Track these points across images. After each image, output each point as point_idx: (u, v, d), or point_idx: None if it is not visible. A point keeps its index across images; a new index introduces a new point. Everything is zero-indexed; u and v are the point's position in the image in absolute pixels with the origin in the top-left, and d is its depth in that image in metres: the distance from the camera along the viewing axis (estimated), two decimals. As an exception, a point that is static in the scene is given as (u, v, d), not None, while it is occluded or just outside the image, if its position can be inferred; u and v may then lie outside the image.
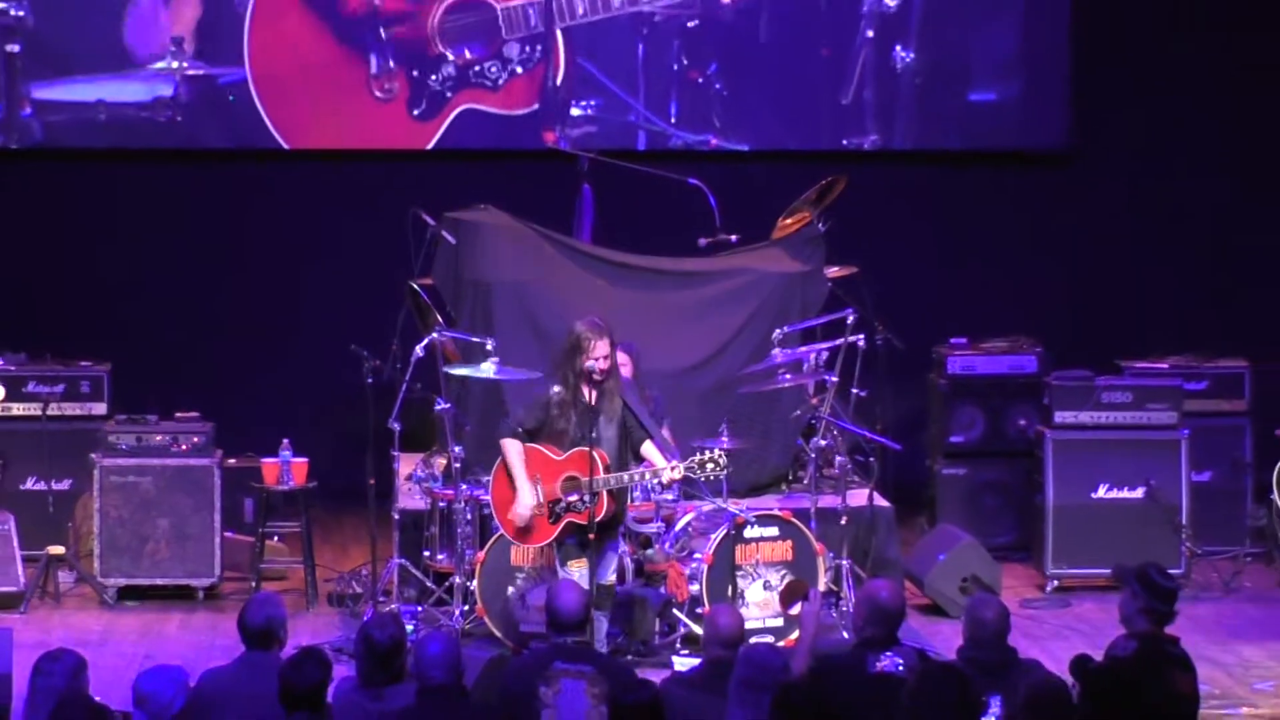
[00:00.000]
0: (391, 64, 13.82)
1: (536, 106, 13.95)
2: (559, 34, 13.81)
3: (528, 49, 13.89)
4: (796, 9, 13.87)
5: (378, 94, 13.90)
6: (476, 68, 13.90)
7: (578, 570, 10.23)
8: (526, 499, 10.16)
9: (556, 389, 10.42)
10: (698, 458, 10.26)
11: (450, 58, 13.85)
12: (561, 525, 10.28)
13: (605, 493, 10.15)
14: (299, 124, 13.92)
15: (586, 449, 10.16)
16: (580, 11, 13.78)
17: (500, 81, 13.90)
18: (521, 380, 11.07)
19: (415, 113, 13.90)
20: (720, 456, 10.32)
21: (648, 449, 10.40)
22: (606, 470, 10.16)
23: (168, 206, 14.02)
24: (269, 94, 13.82)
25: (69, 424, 12.39)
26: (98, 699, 7.57)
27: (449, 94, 13.92)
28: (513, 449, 10.30)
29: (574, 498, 10.16)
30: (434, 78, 13.88)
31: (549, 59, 13.83)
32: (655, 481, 10.48)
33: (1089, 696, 7.60)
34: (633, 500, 10.67)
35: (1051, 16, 14.10)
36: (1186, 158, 14.18)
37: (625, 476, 10.26)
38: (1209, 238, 14.13)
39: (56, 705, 7.28)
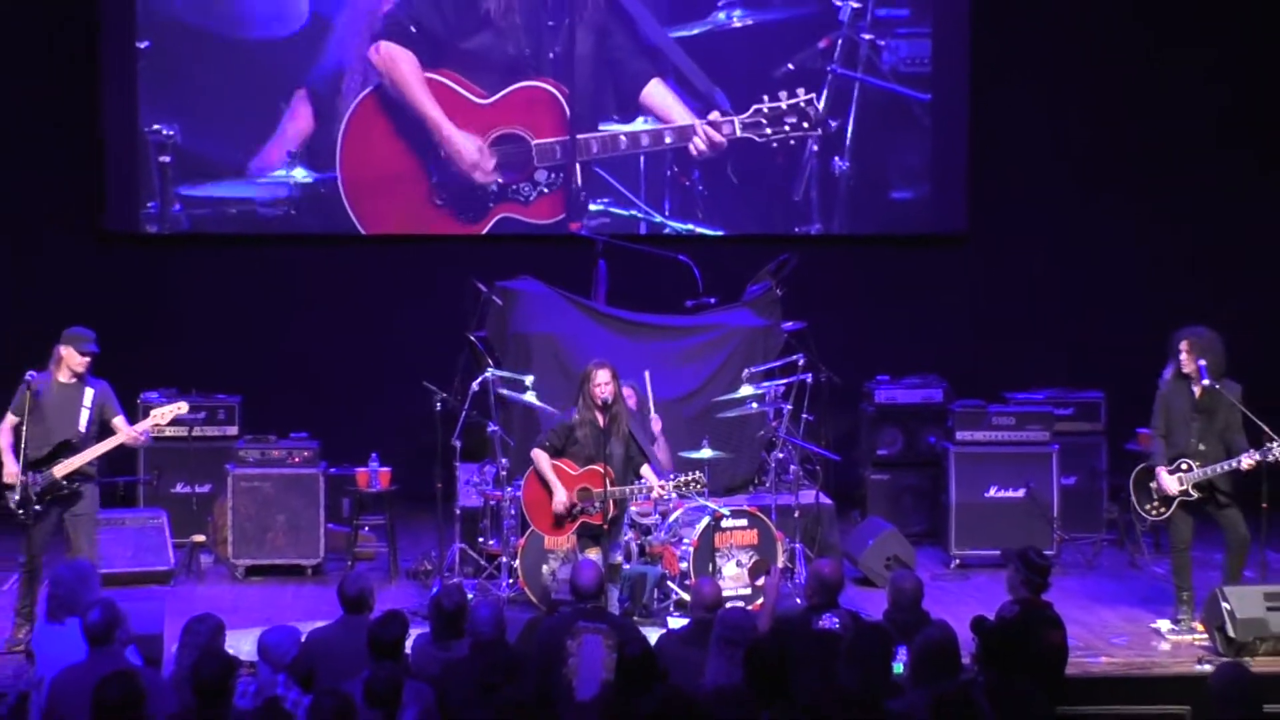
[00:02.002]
0: (446, 178, 13.83)
1: (558, 218, 13.90)
2: (578, 167, 13.79)
3: (552, 175, 13.86)
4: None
5: (436, 203, 13.89)
6: (513, 187, 13.87)
7: (594, 554, 10.24)
8: (560, 495, 10.21)
9: (575, 415, 10.47)
10: (682, 479, 10.36)
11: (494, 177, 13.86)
12: (578, 524, 10.35)
13: (610, 500, 10.22)
14: (375, 220, 13.88)
15: (598, 466, 10.24)
16: (595, 150, 13.77)
17: (531, 198, 13.88)
18: (550, 411, 11.10)
19: (465, 217, 13.88)
20: (700, 477, 10.40)
21: (645, 470, 10.46)
22: (612, 483, 10.22)
23: (283, 278, 13.99)
24: (353, 195, 13.80)
25: (209, 443, 12.37)
26: (230, 651, 7.55)
27: (491, 204, 13.90)
28: (542, 459, 10.36)
29: (581, 505, 10.29)
30: (478, 192, 13.86)
31: (569, 183, 13.80)
32: (647, 494, 10.52)
33: (984, 647, 7.57)
34: (636, 500, 10.67)
35: (952, 135, 14.10)
36: (1054, 240, 14.18)
37: (627, 490, 10.33)
38: (1074, 297, 14.11)
39: (197, 657, 7.25)
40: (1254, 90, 14.04)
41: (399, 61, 13.63)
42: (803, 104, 13.59)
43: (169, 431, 11.58)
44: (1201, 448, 10.11)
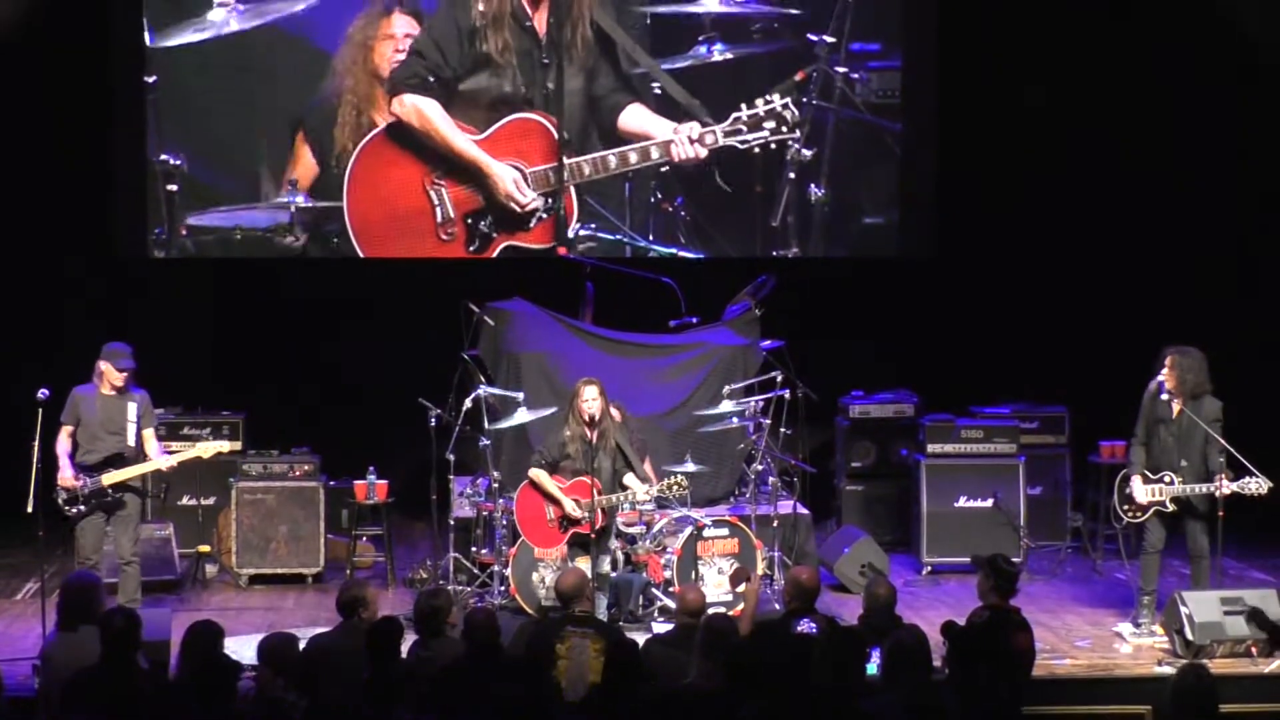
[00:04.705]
0: (452, 214, 13.73)
1: (553, 244, 13.82)
2: (572, 189, 13.72)
3: (549, 201, 13.77)
4: (739, 158, 13.78)
5: (443, 237, 13.80)
6: (524, 213, 13.78)
7: (583, 563, 10.24)
8: (570, 506, 10.25)
9: (567, 432, 10.47)
10: (664, 482, 10.37)
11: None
12: (569, 534, 10.35)
13: (598, 510, 10.21)
14: (382, 253, 13.83)
15: (585, 478, 10.25)
16: (586, 172, 13.70)
17: (531, 225, 13.80)
18: (538, 420, 11.07)
19: (470, 249, 13.76)
20: (681, 480, 10.39)
21: (628, 479, 10.45)
22: (599, 494, 10.20)
23: (284, 300, 13.95)
24: (361, 231, 13.72)
25: (214, 457, 12.28)
26: (233, 655, 7.49)
27: (494, 234, 13.80)
28: (543, 476, 10.40)
29: (580, 514, 10.33)
30: (483, 223, 13.78)
31: (563, 207, 13.72)
32: (632, 503, 10.50)
33: (954, 651, 7.54)
34: (623, 510, 10.65)
35: (921, 163, 14.09)
36: (1019, 262, 14.15)
37: (613, 498, 10.32)
38: (1038, 316, 14.07)
39: (201, 662, 7.20)
40: (1215, 120, 14.03)
41: (427, 109, 13.51)
42: (779, 108, 13.49)
43: (175, 446, 11.53)
44: (1184, 464, 10.08)
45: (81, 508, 9.98)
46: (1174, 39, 13.86)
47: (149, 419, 10.21)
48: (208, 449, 10.44)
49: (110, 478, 9.98)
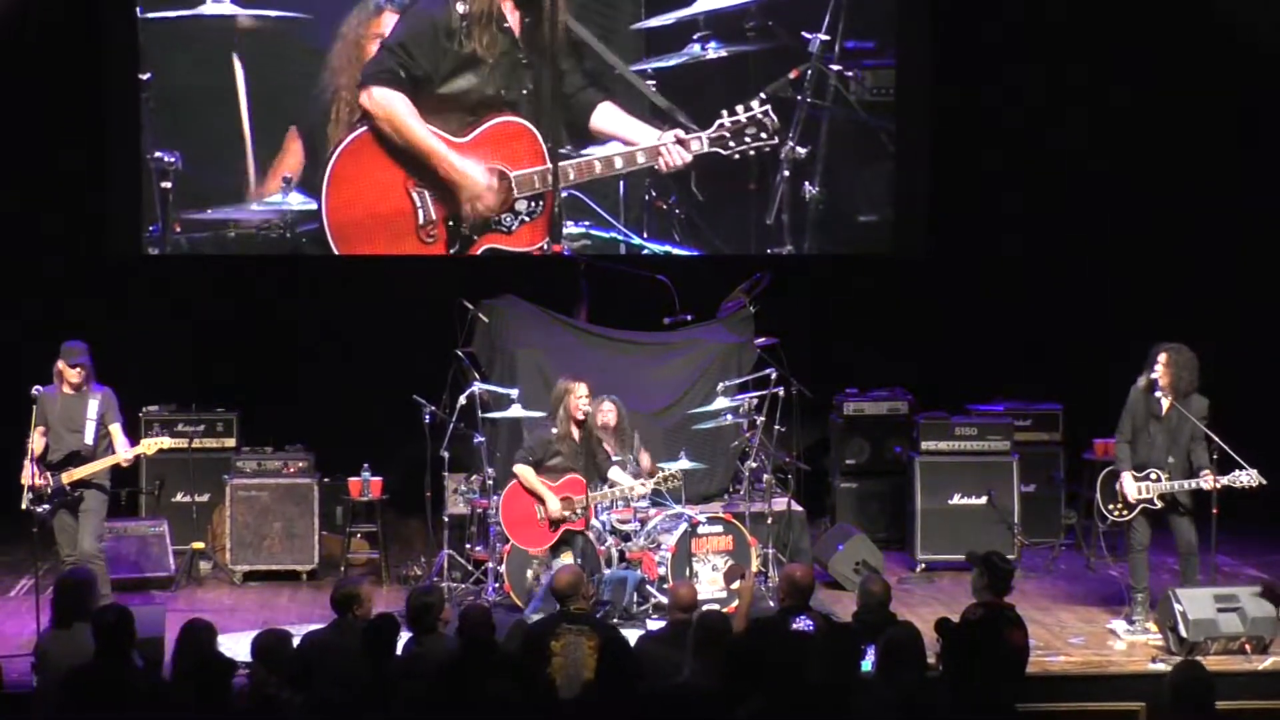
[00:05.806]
0: (434, 216, 13.68)
1: (540, 244, 13.72)
2: (559, 194, 13.65)
3: (532, 204, 13.70)
4: (733, 156, 13.76)
5: (425, 239, 13.74)
6: (495, 218, 13.73)
7: (567, 558, 10.34)
8: (553, 504, 10.22)
9: (554, 430, 10.47)
10: (660, 475, 10.38)
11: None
12: (560, 532, 10.36)
13: (591, 506, 10.24)
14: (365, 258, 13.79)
15: (575, 475, 10.26)
16: (571, 177, 13.65)
17: (513, 228, 13.73)
18: (533, 418, 11.06)
19: (452, 250, 13.71)
20: (677, 474, 10.40)
21: (614, 473, 10.46)
22: (585, 492, 10.24)
23: (279, 297, 13.93)
24: (338, 232, 13.62)
25: (208, 454, 12.33)
26: (227, 653, 7.48)
27: (475, 237, 13.72)
28: (527, 472, 10.36)
29: (568, 513, 10.38)
30: (464, 226, 13.72)
31: (550, 210, 13.65)
32: (626, 499, 10.50)
33: (949, 648, 7.52)
34: (617, 507, 10.64)
35: (916, 161, 14.06)
36: (1013, 260, 14.14)
37: (606, 495, 10.32)
38: (1031, 314, 14.06)
39: (196, 659, 7.19)
40: (1213, 117, 14.01)
41: (394, 103, 13.46)
42: (760, 115, 13.46)
43: (170, 444, 11.54)
44: (1171, 460, 10.08)
45: (47, 506, 10.02)
46: (1172, 36, 13.83)
47: (112, 415, 10.19)
48: (151, 445, 10.35)
49: (70, 475, 10.01)
